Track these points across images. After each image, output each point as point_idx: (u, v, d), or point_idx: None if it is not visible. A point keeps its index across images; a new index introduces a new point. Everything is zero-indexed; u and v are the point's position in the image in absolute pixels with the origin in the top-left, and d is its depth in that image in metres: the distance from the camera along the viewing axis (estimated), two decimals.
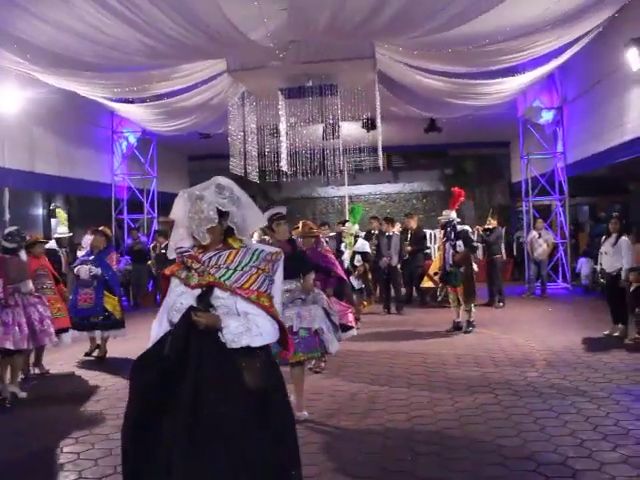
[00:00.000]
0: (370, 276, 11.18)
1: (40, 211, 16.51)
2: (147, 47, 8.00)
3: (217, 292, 2.84)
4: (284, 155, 11.35)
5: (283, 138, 11.22)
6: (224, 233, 2.95)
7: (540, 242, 14.27)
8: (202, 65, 10.04)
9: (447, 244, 9.94)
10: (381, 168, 11.99)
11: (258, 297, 2.84)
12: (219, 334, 2.78)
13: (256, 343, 2.81)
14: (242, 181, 13.68)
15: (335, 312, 6.15)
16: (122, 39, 7.78)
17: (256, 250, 2.95)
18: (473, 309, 10.00)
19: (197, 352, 2.74)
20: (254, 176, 12.00)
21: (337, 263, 7.75)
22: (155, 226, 16.67)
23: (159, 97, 11.68)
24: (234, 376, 2.74)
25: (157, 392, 2.76)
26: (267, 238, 5.95)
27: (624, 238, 9.02)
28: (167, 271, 3.01)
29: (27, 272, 6.91)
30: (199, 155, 19.75)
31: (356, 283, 10.28)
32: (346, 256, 10.11)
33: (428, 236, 16.24)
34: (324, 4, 7.52)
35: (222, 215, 2.91)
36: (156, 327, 3.00)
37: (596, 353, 7.96)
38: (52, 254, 8.99)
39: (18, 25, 7.51)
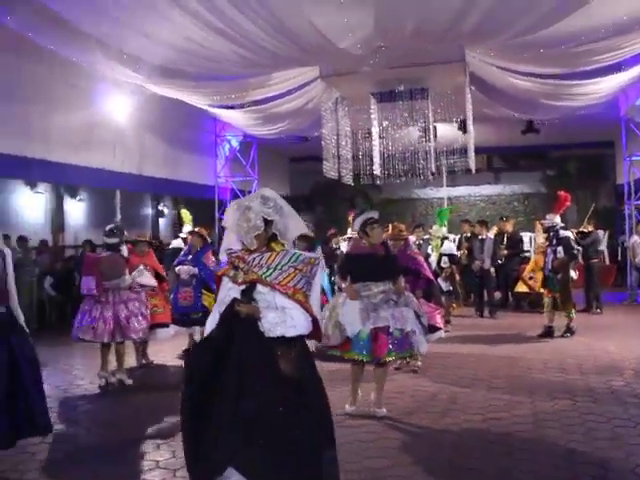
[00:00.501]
0: (458, 278, 11.21)
1: (149, 211, 17.58)
2: (243, 58, 8.49)
3: (259, 287, 3.24)
4: (377, 159, 11.58)
5: (376, 142, 11.45)
6: (268, 238, 3.32)
7: None
8: (296, 72, 10.46)
9: (549, 249, 9.90)
10: (473, 170, 11.96)
11: (294, 293, 3.22)
12: (259, 324, 3.16)
13: (290, 333, 3.18)
14: (337, 184, 14.06)
15: (424, 314, 6.33)
16: (220, 51, 8.29)
17: (295, 254, 3.32)
18: (573, 315, 9.89)
19: (240, 339, 3.14)
20: (348, 179, 12.29)
21: (425, 265, 7.89)
22: None
23: (256, 103, 12.23)
24: (270, 363, 3.12)
25: (208, 376, 3.15)
26: (363, 241, 6.16)
27: None
28: (219, 272, 3.42)
29: (123, 268, 7.32)
30: (300, 157, 20.24)
31: (444, 285, 10.35)
32: (433, 258, 10.21)
33: (527, 240, 15.90)
34: (409, 10, 7.69)
35: (267, 223, 3.29)
36: (210, 320, 3.40)
37: None
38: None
39: (129, 42, 8.20)
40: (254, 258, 3.28)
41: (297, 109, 12.26)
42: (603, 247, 14.83)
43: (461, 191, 23.30)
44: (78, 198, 15.50)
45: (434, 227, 10.85)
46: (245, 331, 3.16)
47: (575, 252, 9.78)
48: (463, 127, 14.77)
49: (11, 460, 4.87)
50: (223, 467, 3.03)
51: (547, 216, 10.22)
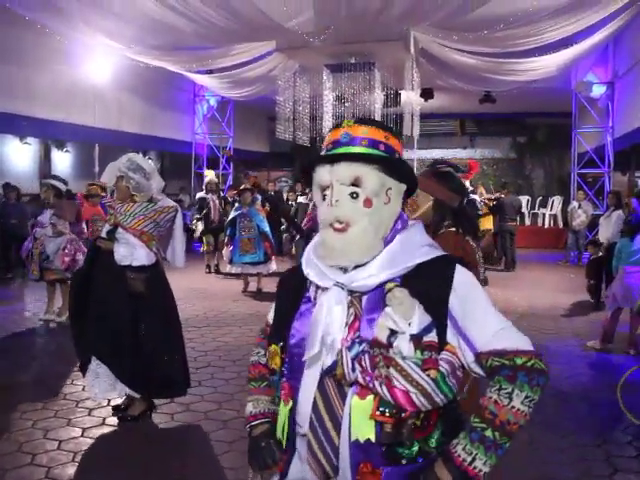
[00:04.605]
0: None
1: None
2: (200, 35, 9.64)
3: (119, 229, 4.56)
4: (328, 122, 12.77)
5: (328, 107, 12.62)
6: (131, 192, 4.60)
7: (579, 213, 14.95)
8: (254, 45, 11.55)
9: None
10: (414, 135, 13.23)
11: (140, 235, 4.53)
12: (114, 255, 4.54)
13: (135, 264, 4.53)
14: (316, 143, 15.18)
15: None
16: (178, 27, 9.43)
17: (147, 205, 4.60)
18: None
19: (101, 265, 4.58)
20: (304, 141, 13.53)
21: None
22: (230, 181, 18.53)
23: (223, 70, 13.34)
24: (120, 282, 4.50)
25: (81, 289, 4.64)
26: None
27: (617, 212, 9.89)
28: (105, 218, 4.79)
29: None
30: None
31: None
32: None
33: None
34: None
35: (120, 178, 4.55)
36: None
37: (569, 314, 9.14)
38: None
39: (100, 20, 9.40)
40: (119, 207, 4.62)
41: (261, 75, 13.36)
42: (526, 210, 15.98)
43: (435, 154, 24.36)
44: (64, 149, 16.67)
45: None
46: (104, 259, 4.56)
47: (480, 213, 11.15)
48: (425, 94, 16.03)
49: None
50: (87, 353, 4.62)
51: None
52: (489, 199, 14.11)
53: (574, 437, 4.57)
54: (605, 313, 7.34)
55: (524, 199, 19.88)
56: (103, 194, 9.52)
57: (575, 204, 15.15)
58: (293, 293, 1.69)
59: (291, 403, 1.59)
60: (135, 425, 4.73)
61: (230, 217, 10.44)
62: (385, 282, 1.53)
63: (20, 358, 6.56)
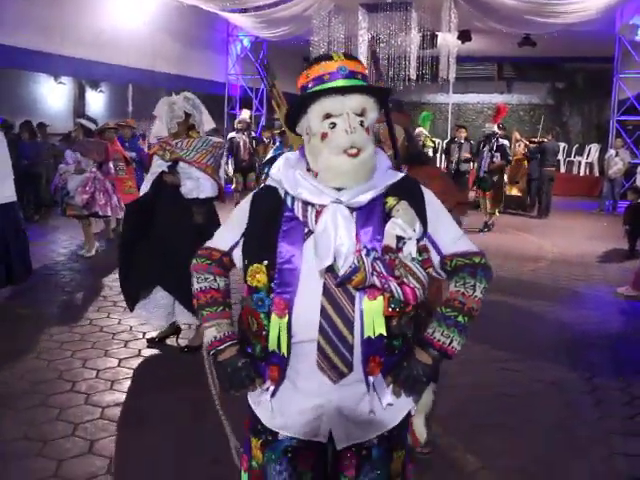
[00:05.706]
0: None
1: None
2: None
3: (181, 164, 4.58)
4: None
5: (363, 49, 12.41)
6: (188, 128, 4.63)
7: (616, 160, 14.63)
8: None
9: (485, 153, 10.99)
10: (449, 79, 12.97)
11: (205, 168, 4.60)
12: (180, 189, 4.56)
13: (202, 196, 4.61)
14: None
15: None
16: None
17: (206, 140, 4.66)
18: (497, 214, 11.18)
19: (165, 199, 4.57)
20: None
21: None
22: (262, 122, 18.47)
23: (257, 9, 13.13)
24: (187, 216, 4.55)
25: (140, 222, 4.63)
26: None
27: None
28: (151, 151, 4.76)
29: None
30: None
31: None
32: None
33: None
34: None
35: (187, 115, 4.58)
36: (143, 187, 4.80)
37: (601, 261, 9.07)
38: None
39: None
40: (177, 142, 4.61)
41: (296, 15, 13.16)
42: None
43: (470, 98, 23.95)
44: (98, 89, 16.73)
45: (417, 129, 12.15)
46: (170, 194, 4.56)
47: (510, 158, 11.00)
48: (462, 37, 15.62)
49: None
50: (152, 284, 4.66)
51: (486, 125, 11.38)
52: (531, 141, 13.86)
53: (599, 380, 4.62)
54: (639, 260, 7.27)
55: (560, 146, 19.48)
56: (113, 126, 9.42)
57: (612, 152, 14.81)
58: (269, 213, 1.78)
59: (287, 315, 1.69)
60: (172, 356, 4.92)
61: (269, 156, 10.47)
62: (372, 199, 1.70)
63: (57, 293, 6.77)
